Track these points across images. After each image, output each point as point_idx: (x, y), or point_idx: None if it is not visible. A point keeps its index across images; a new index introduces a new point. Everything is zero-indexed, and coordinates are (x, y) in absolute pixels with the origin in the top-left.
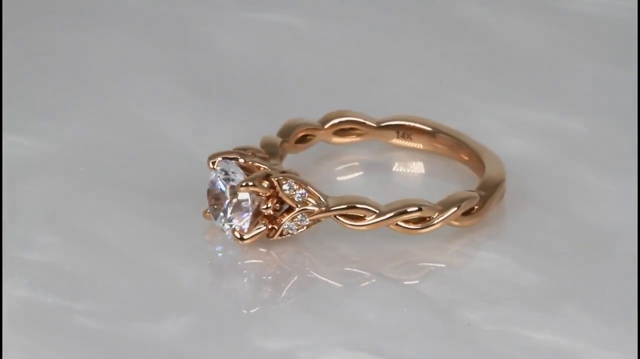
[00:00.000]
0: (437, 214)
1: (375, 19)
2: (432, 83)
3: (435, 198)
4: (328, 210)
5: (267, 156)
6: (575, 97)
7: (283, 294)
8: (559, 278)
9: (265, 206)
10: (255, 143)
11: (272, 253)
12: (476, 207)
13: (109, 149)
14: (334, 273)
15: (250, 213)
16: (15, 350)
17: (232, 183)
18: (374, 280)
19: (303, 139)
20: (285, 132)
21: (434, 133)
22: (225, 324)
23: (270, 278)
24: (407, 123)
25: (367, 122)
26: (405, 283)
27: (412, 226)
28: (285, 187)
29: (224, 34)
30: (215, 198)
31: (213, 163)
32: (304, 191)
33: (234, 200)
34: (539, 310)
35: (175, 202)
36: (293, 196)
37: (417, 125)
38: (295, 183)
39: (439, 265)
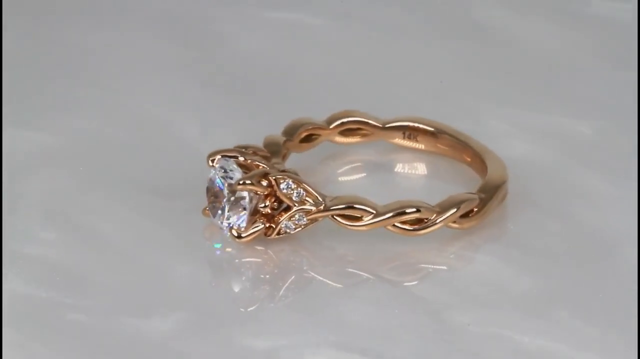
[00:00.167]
0: (435, 215)
1: (393, 19)
2: (441, 85)
3: (437, 200)
4: (325, 210)
5: (268, 154)
6: (581, 100)
7: (281, 293)
8: (556, 282)
9: (263, 205)
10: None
11: (270, 252)
12: (475, 209)
13: (111, 144)
14: (331, 272)
15: (248, 211)
16: (6, 344)
17: (230, 181)
18: (371, 281)
19: (308, 139)
20: (290, 131)
21: (439, 134)
22: (216, 322)
23: (267, 276)
24: (412, 124)
25: (373, 123)
26: (403, 284)
27: (410, 227)
28: (282, 186)
29: (236, 33)
30: (214, 196)
31: (212, 161)
32: (301, 190)
33: (232, 198)
34: (533, 315)
35: (176, 199)
36: (290, 195)
37: (422, 126)
38: (293, 182)
39: (437, 267)
